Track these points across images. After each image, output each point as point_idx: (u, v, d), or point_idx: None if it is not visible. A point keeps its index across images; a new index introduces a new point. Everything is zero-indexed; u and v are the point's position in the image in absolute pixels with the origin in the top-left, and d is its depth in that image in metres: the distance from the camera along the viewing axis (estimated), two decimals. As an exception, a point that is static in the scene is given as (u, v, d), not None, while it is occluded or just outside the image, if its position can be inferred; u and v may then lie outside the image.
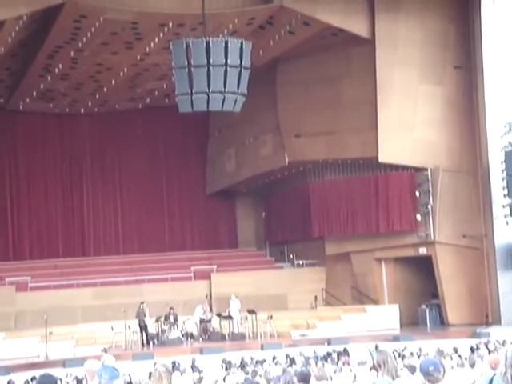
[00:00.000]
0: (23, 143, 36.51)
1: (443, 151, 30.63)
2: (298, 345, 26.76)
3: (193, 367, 19.51)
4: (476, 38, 30.40)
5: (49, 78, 30.96)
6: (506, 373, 7.62)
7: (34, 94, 32.71)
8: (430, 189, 30.49)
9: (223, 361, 19.67)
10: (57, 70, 30.16)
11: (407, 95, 30.16)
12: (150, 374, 11.60)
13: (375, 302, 32.34)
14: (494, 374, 8.12)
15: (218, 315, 29.77)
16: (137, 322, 28.54)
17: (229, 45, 21.25)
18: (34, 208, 36.90)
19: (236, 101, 21.73)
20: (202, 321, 29.40)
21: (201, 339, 29.05)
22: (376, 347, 15.98)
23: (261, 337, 28.99)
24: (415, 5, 29.90)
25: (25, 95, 33.17)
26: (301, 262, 35.01)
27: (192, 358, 21.34)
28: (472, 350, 19.25)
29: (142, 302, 28.88)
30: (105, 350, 23.58)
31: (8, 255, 35.97)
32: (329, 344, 26.33)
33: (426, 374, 7.47)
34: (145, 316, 28.53)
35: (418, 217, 30.78)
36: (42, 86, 31.88)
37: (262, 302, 31.30)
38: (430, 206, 30.48)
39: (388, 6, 29.39)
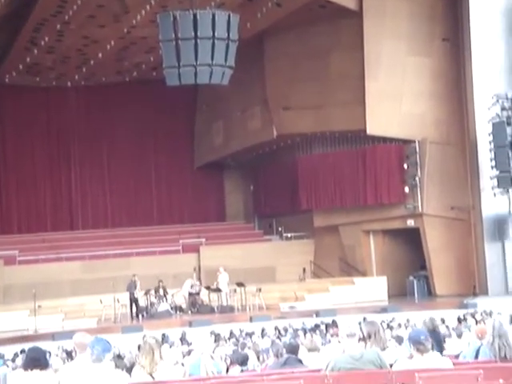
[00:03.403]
0: (10, 117, 36.33)
1: (431, 123, 30.65)
2: (287, 317, 26.88)
3: (182, 340, 19.61)
4: (464, 10, 30.32)
5: (35, 51, 30.74)
6: (492, 342, 7.72)
7: (21, 67, 32.49)
8: (418, 161, 30.55)
9: (212, 333, 19.77)
10: (43, 43, 29.94)
11: (395, 68, 30.12)
12: (140, 346, 11.64)
13: (363, 273, 32.50)
14: (481, 344, 8.22)
15: (207, 288, 29.87)
16: (126, 294, 28.59)
17: (216, 17, 21.14)
18: (22, 182, 36.79)
19: (224, 74, 21.66)
20: (190, 294, 29.49)
21: (190, 312, 29.14)
22: (364, 320, 16.07)
23: (249, 309, 29.09)
24: (403, -24, 29.82)
25: (11, 69, 32.94)
26: (289, 235, 35.11)
27: (182, 331, 21.45)
28: (459, 320, 19.43)
29: (134, 275, 28.89)
30: None
31: (-4, 229, 35.93)
32: (317, 316, 26.47)
33: (415, 343, 7.54)
34: (135, 289, 28.59)
35: (406, 189, 30.87)
36: (28, 60, 31.66)
37: (250, 275, 31.41)
38: (417, 178, 30.56)
39: (376, -23, 29.29)
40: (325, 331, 19.59)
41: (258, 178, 37.77)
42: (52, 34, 29.33)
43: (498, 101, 29.39)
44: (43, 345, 11.47)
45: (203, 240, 34.96)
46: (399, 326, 19.39)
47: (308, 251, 34.42)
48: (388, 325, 19.73)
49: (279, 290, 31.30)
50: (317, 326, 21.12)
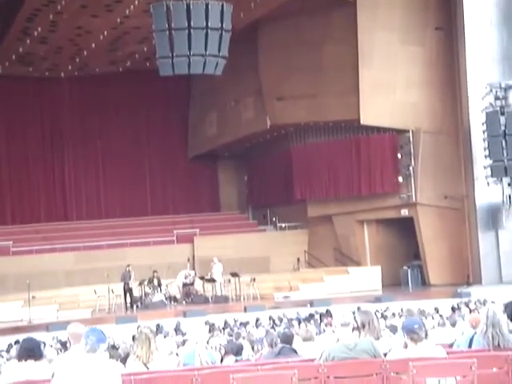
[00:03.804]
0: (2, 107, 36.15)
1: (425, 113, 30.66)
2: (281, 307, 26.92)
3: (176, 330, 19.61)
4: (457, -1, 30.35)
5: (28, 41, 30.63)
6: (486, 331, 7.73)
7: (13, 57, 32.38)
8: (412, 151, 30.57)
9: (206, 323, 19.78)
10: (36, 34, 29.83)
11: (388, 57, 30.10)
12: (134, 336, 11.65)
13: (357, 263, 32.55)
14: (475, 333, 8.24)
15: (201, 278, 29.88)
16: (121, 285, 28.60)
17: (209, 7, 21.10)
18: (15, 173, 36.73)
19: (217, 64, 21.63)
20: (184, 284, 29.50)
21: (184, 302, 29.16)
22: (358, 309, 16.10)
23: (244, 299, 29.13)
24: (396, -34, 29.79)
25: (3, 59, 32.81)
26: (283, 225, 35.13)
27: (176, 321, 21.46)
28: (453, 309, 19.46)
29: (128, 265, 28.89)
30: None
31: (-11, 221, 35.88)
32: (311, 306, 26.51)
33: (409, 332, 7.56)
34: (130, 279, 28.58)
35: (400, 179, 30.90)
36: (20, 50, 31.54)
37: (244, 265, 31.41)
38: (411, 168, 30.59)
39: (369, -33, 29.26)
40: (319, 321, 19.61)
41: (252, 168, 37.76)
42: (45, 25, 29.22)
43: (491, 90, 29.40)
44: (37, 335, 11.47)
45: (197, 230, 34.95)
46: (393, 315, 19.43)
47: (302, 241, 34.46)
48: (382, 314, 19.77)
49: (273, 280, 31.33)
50: (311, 316, 21.16)
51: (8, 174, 36.73)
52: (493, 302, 18.31)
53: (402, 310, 20.51)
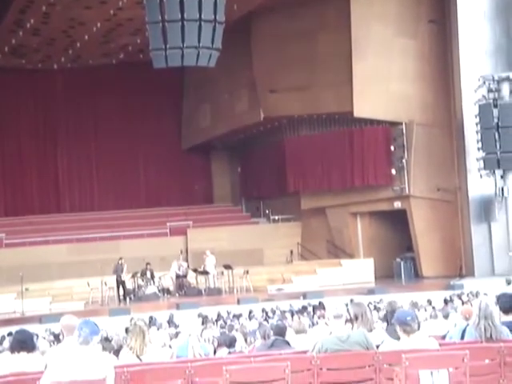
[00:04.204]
0: (-5, 99, 36.15)
1: (418, 105, 30.68)
2: (274, 299, 26.96)
3: (169, 322, 19.64)
4: (451, -9, 30.34)
5: (20, 33, 30.54)
6: (478, 323, 7.76)
7: (6, 49, 32.30)
8: (405, 143, 30.60)
9: (199, 315, 19.80)
10: (29, 25, 29.74)
11: (382, 49, 30.09)
12: (127, 328, 11.66)
13: (350, 255, 32.59)
14: (467, 325, 8.26)
15: (194, 270, 29.90)
16: (114, 277, 28.59)
17: (203, -1, 21.03)
18: (8, 165, 36.67)
19: (210, 56, 21.57)
20: (178, 276, 29.50)
21: (177, 294, 29.17)
22: (351, 301, 16.14)
23: (237, 291, 29.16)
24: (390, -42, 29.76)
25: (-4, 51, 32.77)
26: (276, 217, 35.16)
27: (169, 314, 21.48)
28: (446, 301, 19.52)
29: (121, 258, 28.88)
30: None
31: (-18, 213, 35.83)
32: (304, 298, 26.55)
33: (402, 323, 7.57)
34: (122, 272, 28.57)
35: (393, 171, 30.92)
36: (13, 42, 31.47)
37: (238, 257, 31.44)
38: (404, 161, 30.61)
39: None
40: (312, 313, 19.65)
41: (245, 160, 37.75)
42: (38, 16, 29.12)
43: (484, 82, 29.40)
44: (30, 327, 11.45)
45: (190, 223, 34.96)
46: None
47: (295, 233, 34.49)
48: (375, 306, 19.81)
49: (267, 272, 31.36)
50: (304, 308, 21.19)
51: (1, 165, 36.66)
52: (485, 294, 18.36)
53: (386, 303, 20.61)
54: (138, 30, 29.59)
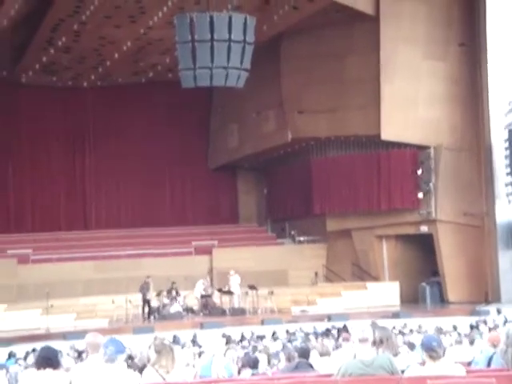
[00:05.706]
0: (26, 116, 36.41)
1: (446, 129, 30.57)
2: (298, 321, 26.86)
3: (193, 342, 19.62)
4: (480, 14, 30.26)
5: (52, 51, 30.87)
6: (506, 351, 7.66)
7: (37, 66, 32.63)
8: (432, 167, 30.46)
9: (223, 336, 19.76)
10: (60, 43, 30.07)
11: (411, 72, 30.04)
12: (150, 346, 11.63)
13: (376, 278, 32.43)
14: (494, 352, 8.17)
15: (219, 290, 29.86)
16: (138, 295, 28.62)
17: (233, 20, 21.12)
18: (37, 181, 36.89)
19: (239, 76, 21.65)
20: (202, 296, 29.49)
21: (201, 314, 29.15)
22: (373, 323, 16.05)
23: (261, 312, 29.10)
24: (420, -19, 29.76)
25: (27, 68, 33.07)
26: (302, 239, 35.08)
27: (193, 333, 21.46)
28: (471, 327, 19.34)
29: (148, 277, 28.91)
30: None
31: (10, 228, 35.98)
32: (329, 320, 26.45)
33: (428, 349, 7.49)
34: (148, 290, 28.59)
35: (420, 195, 30.78)
36: (44, 59, 31.79)
37: (262, 278, 31.35)
38: (431, 184, 30.47)
39: (393, -18, 29.25)
40: (336, 336, 19.55)
41: (271, 180, 37.74)
42: (69, 34, 29.43)
43: (513, 107, 29.30)
44: (54, 344, 11.48)
45: (216, 242, 34.94)
46: (411, 331, 19.33)
47: (320, 255, 34.37)
48: (400, 331, 19.67)
49: (291, 293, 31.27)
50: (328, 331, 21.09)
51: (30, 182, 36.89)
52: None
53: (419, 326, 20.45)
54: (168, 49, 29.79)
